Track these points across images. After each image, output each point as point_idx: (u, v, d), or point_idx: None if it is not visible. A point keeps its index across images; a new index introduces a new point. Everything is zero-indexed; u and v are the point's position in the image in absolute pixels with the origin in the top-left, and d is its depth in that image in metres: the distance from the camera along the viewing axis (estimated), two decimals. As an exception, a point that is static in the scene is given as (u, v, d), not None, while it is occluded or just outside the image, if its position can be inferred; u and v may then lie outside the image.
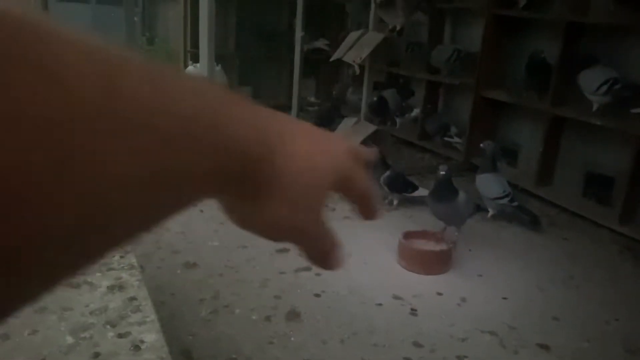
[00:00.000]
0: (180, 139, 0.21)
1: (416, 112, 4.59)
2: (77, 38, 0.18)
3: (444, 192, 2.59)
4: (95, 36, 0.19)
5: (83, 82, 0.17)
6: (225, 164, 0.25)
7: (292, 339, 1.94)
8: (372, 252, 2.68)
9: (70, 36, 0.18)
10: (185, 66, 4.96)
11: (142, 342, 1.00)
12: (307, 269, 2.46)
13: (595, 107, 3.12)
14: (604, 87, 3.00)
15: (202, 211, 3.06)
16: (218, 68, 4.34)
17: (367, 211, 0.38)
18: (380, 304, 2.22)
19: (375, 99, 3.74)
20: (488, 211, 3.09)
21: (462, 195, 2.60)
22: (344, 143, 0.35)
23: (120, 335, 1.01)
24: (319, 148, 0.32)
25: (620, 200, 3.07)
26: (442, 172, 2.61)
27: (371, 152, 0.38)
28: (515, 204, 3.06)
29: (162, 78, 0.22)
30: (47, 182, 0.16)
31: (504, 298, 2.34)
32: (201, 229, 2.80)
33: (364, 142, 3.57)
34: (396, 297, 2.27)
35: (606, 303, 2.33)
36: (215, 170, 0.24)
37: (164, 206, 0.23)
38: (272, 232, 0.32)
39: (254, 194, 0.29)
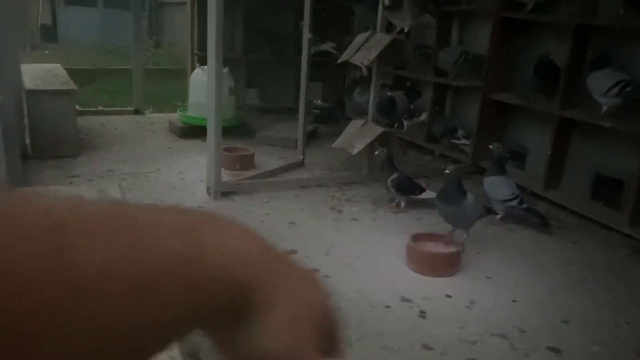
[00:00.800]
0: (146, 287, 0.20)
1: (424, 116, 4.58)
2: (18, 210, 0.18)
3: (452, 193, 2.58)
4: (44, 196, 0.19)
5: (29, 263, 0.17)
6: (203, 298, 0.24)
7: (301, 341, 1.93)
8: (380, 254, 2.67)
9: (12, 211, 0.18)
10: (193, 69, 4.97)
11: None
12: (314, 271, 2.45)
13: (604, 110, 3.10)
14: (615, 89, 2.98)
15: (209, 213, 3.06)
16: (225, 70, 4.35)
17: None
18: (388, 307, 2.21)
19: (384, 98, 3.73)
20: (497, 214, 3.08)
21: (470, 197, 2.59)
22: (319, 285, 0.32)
23: (131, 335, 1.01)
24: (305, 278, 0.30)
25: (629, 203, 3.04)
26: (447, 172, 2.60)
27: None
28: (524, 206, 3.05)
29: (121, 228, 0.21)
30: None
31: (514, 301, 2.32)
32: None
33: (372, 144, 3.57)
34: (405, 300, 2.26)
35: (617, 306, 2.31)
36: (193, 306, 0.23)
37: (149, 349, 0.22)
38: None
39: (238, 322, 0.27)
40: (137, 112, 5.44)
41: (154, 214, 0.23)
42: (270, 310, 0.27)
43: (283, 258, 0.29)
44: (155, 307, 0.21)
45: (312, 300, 0.29)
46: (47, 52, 9.80)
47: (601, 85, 3.06)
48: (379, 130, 3.57)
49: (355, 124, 3.80)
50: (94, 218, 0.20)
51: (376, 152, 3.29)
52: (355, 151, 3.56)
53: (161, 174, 3.70)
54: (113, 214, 0.21)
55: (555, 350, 1.98)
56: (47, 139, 3.76)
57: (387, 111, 3.69)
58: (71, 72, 4.53)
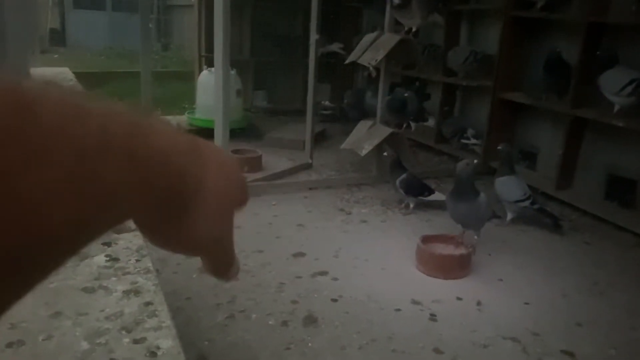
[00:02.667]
0: (94, 152, 0.22)
1: (431, 121, 4.53)
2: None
3: (466, 191, 2.53)
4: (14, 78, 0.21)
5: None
6: (148, 175, 0.25)
7: (310, 344, 1.91)
8: (390, 256, 2.64)
9: None
10: (200, 71, 4.96)
11: (158, 348, 0.97)
12: (324, 273, 2.43)
13: (616, 108, 3.05)
14: (629, 88, 2.93)
15: (217, 215, 3.05)
16: (233, 73, 4.34)
17: None
18: (399, 310, 2.17)
19: (397, 98, 3.68)
20: (500, 217, 3.01)
21: (482, 196, 2.55)
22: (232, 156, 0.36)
23: (135, 341, 0.99)
24: (224, 158, 0.32)
25: (643, 203, 2.99)
26: (475, 161, 2.58)
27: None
28: (537, 206, 3.01)
29: (73, 100, 0.23)
30: None
31: (526, 303, 2.28)
32: (217, 234, 2.78)
33: (380, 145, 3.54)
34: (415, 303, 2.23)
35: (632, 309, 2.27)
36: (139, 182, 0.25)
37: (95, 223, 0.24)
38: (196, 246, 0.32)
39: (181, 208, 0.29)
40: (145, 114, 5.43)
41: (104, 104, 0.25)
42: (199, 200, 0.29)
43: (206, 148, 0.31)
44: (106, 172, 0.22)
45: (232, 183, 0.32)
46: (56, 56, 9.86)
47: (614, 84, 3.01)
48: (387, 131, 3.54)
49: (364, 125, 3.77)
50: (54, 89, 0.23)
51: (385, 154, 3.26)
52: (363, 152, 3.53)
53: (169, 177, 3.69)
54: (70, 95, 0.23)
55: (569, 354, 1.94)
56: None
57: (398, 110, 3.64)
58: (80, 76, 4.53)
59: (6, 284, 0.20)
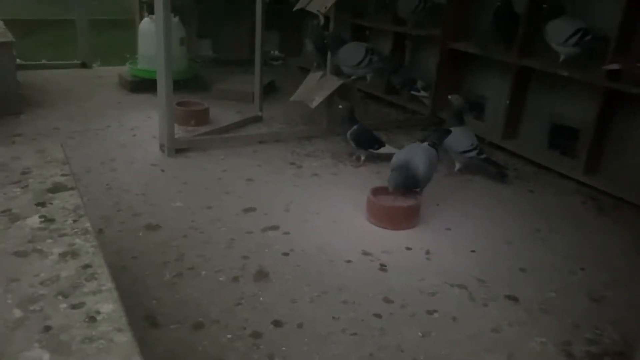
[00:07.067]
0: None
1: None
2: None
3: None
4: None
5: None
6: None
7: (261, 299, 1.90)
8: (341, 209, 2.64)
9: None
10: (142, 18, 4.70)
11: (97, 312, 0.92)
12: (274, 228, 2.41)
13: (562, 58, 3.09)
14: (574, 38, 2.96)
15: (163, 171, 2.95)
16: (176, 19, 4.13)
17: None
18: (349, 261, 2.19)
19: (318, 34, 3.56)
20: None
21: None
22: None
23: (73, 307, 0.94)
24: None
25: (584, 152, 3.09)
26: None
27: None
28: (483, 156, 3.06)
29: None
30: None
31: (472, 251, 2.34)
32: (163, 190, 2.70)
33: (331, 97, 3.48)
34: (365, 254, 2.25)
35: (571, 253, 2.37)
36: None
37: None
38: None
39: None
40: (83, 65, 5.16)
41: None
42: None
43: None
44: None
45: None
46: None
47: (559, 34, 3.04)
48: (338, 82, 3.48)
49: (314, 76, 3.70)
50: None
51: (340, 107, 3.21)
52: (314, 104, 3.47)
53: (111, 131, 3.53)
54: None
55: (513, 298, 2.01)
56: (-15, 96, 3.52)
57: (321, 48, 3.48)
58: (10, 23, 4.21)
59: None
